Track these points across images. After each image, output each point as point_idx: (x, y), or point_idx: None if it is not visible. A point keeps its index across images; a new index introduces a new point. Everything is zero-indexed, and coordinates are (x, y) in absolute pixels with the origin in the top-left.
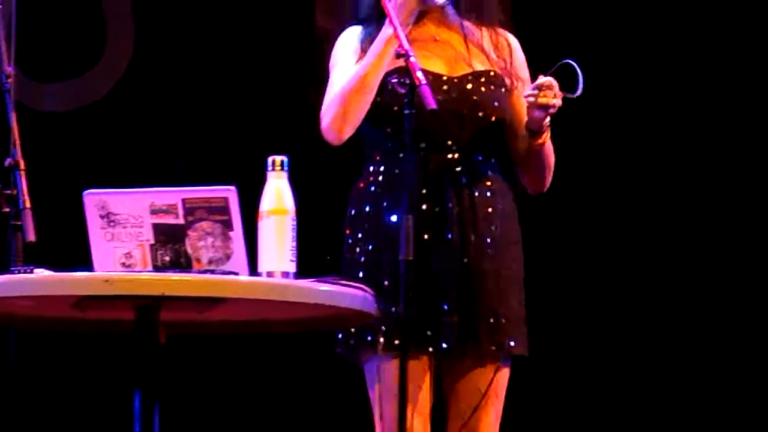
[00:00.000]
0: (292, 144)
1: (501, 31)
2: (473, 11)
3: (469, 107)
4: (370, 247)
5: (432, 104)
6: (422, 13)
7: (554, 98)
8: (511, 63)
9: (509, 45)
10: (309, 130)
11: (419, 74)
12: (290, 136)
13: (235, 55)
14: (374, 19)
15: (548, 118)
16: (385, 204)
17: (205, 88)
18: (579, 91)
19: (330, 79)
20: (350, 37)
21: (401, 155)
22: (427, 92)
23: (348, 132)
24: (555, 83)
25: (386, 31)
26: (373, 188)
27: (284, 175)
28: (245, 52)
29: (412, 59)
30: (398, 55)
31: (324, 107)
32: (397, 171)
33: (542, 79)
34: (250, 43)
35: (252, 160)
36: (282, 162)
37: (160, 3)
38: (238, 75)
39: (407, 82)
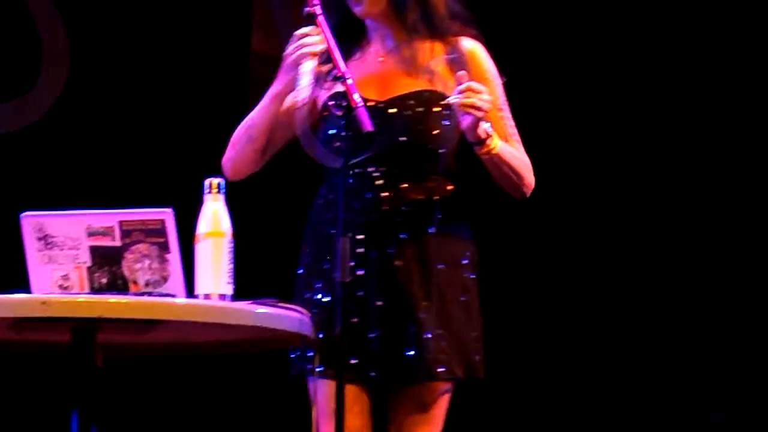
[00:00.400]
0: None
1: (460, 41)
2: (420, 27)
3: (390, 132)
4: (305, 271)
5: (368, 126)
6: (367, 31)
7: (480, 101)
8: (469, 75)
9: (464, 55)
10: None
11: (356, 96)
12: None
13: (173, 77)
14: None
15: (485, 124)
16: (320, 229)
17: (142, 110)
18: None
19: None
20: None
21: (334, 179)
22: (363, 114)
23: (239, 174)
24: (481, 87)
25: (275, 87)
26: (316, 211)
27: (221, 197)
28: (183, 74)
29: (348, 81)
30: (335, 78)
31: (229, 141)
32: (331, 196)
33: (466, 82)
34: (187, 65)
35: (189, 183)
36: (219, 184)
37: (94, 27)
38: (175, 97)
39: (344, 104)
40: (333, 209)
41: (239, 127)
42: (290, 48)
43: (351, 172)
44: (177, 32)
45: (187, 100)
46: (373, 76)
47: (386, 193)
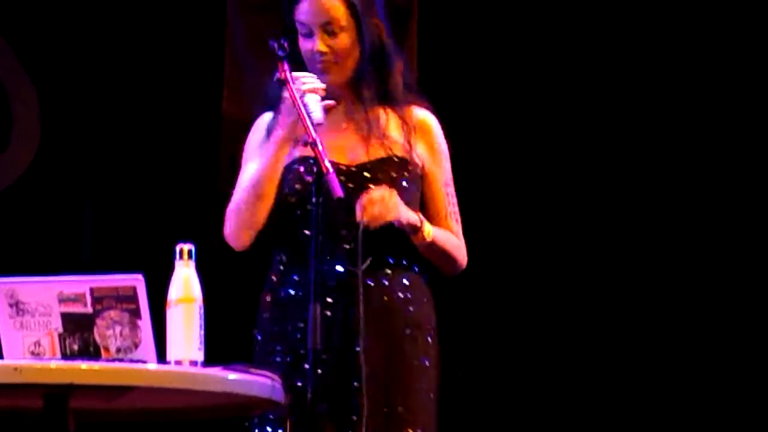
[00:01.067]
0: (200, 231)
1: (416, 110)
2: (377, 98)
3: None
4: (267, 338)
5: (339, 192)
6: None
7: (378, 210)
8: (424, 146)
9: (424, 125)
10: (217, 218)
11: (327, 162)
12: (198, 223)
13: (144, 141)
14: (280, 98)
15: (415, 217)
16: (282, 294)
17: (113, 176)
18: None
19: (239, 177)
20: (259, 129)
21: (298, 244)
22: (334, 180)
23: (250, 238)
24: (376, 194)
25: (277, 133)
26: (273, 278)
27: (191, 263)
28: (153, 138)
29: (319, 147)
30: (305, 143)
31: (227, 211)
32: (295, 259)
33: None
34: (158, 129)
35: (159, 248)
36: (189, 251)
37: (63, 90)
38: (146, 162)
39: (315, 170)
40: (299, 274)
41: (239, 192)
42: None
43: (321, 237)
44: (148, 95)
45: (157, 166)
46: (340, 141)
47: (356, 257)
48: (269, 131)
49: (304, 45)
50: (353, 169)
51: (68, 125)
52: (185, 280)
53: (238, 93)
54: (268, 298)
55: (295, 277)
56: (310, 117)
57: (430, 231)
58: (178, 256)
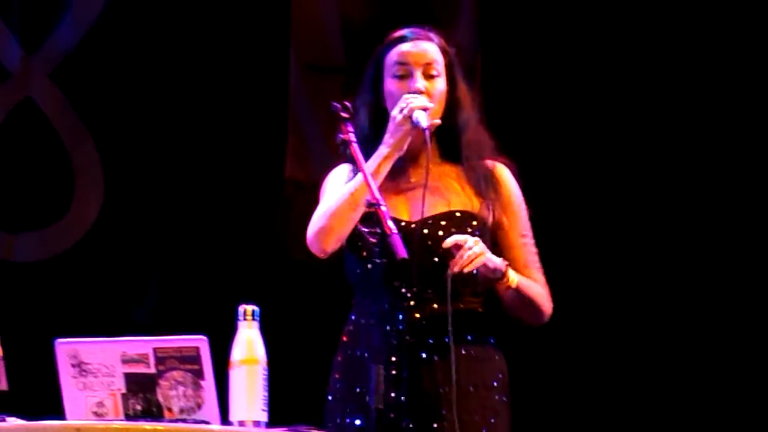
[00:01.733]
0: (264, 293)
1: (489, 163)
2: (449, 152)
3: (423, 254)
4: (338, 396)
5: (402, 253)
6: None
7: (469, 258)
8: (495, 197)
9: (495, 177)
10: (281, 280)
11: (390, 223)
12: (262, 285)
13: (206, 204)
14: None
15: (500, 262)
16: (350, 354)
17: (175, 238)
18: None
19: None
20: (339, 174)
21: (366, 303)
22: (397, 241)
23: (332, 245)
24: (462, 239)
25: (381, 150)
26: (345, 338)
27: (255, 324)
28: (216, 200)
29: (383, 208)
30: (369, 205)
31: (313, 220)
32: (362, 321)
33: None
34: (222, 191)
35: (222, 309)
36: (253, 311)
37: (128, 154)
38: (210, 224)
39: (378, 231)
40: (364, 334)
41: (333, 200)
42: (396, 110)
43: (383, 294)
44: (213, 157)
45: (221, 228)
46: (403, 197)
47: (418, 315)
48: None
49: (399, 86)
50: (412, 225)
51: (132, 186)
52: (248, 341)
53: (300, 155)
54: (339, 359)
55: (364, 338)
56: (369, 176)
57: (514, 278)
58: (241, 317)
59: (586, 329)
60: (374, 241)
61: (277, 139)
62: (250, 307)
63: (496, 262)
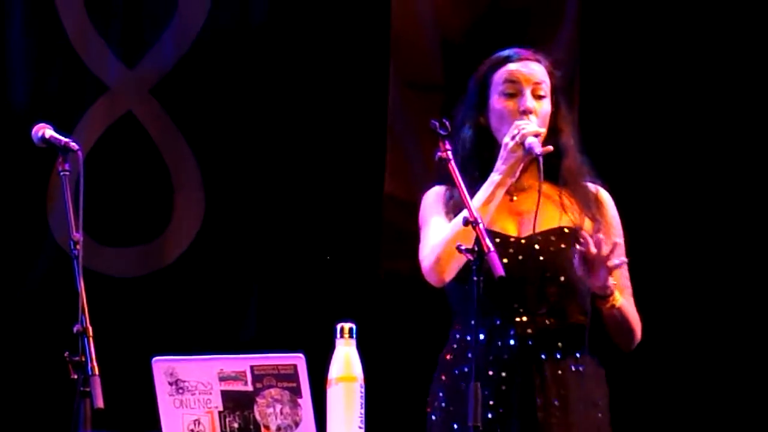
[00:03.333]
0: (361, 310)
1: (590, 186)
2: (557, 173)
3: (535, 269)
4: (443, 415)
5: (500, 271)
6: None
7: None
8: (598, 218)
9: (598, 199)
10: (378, 298)
11: (488, 241)
12: (359, 302)
13: (305, 221)
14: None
15: (611, 280)
16: (456, 372)
17: (272, 255)
18: None
19: (422, 234)
20: (436, 195)
21: (472, 322)
22: (495, 260)
23: (450, 275)
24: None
25: (493, 177)
26: (448, 357)
27: (352, 342)
28: (315, 217)
29: (480, 226)
30: (466, 222)
31: (426, 251)
32: (468, 338)
33: (610, 243)
34: (319, 209)
35: (320, 327)
36: (350, 329)
37: (228, 171)
38: (307, 241)
39: (476, 249)
40: (471, 351)
41: (449, 228)
42: (508, 137)
43: (493, 310)
44: (311, 175)
45: (319, 245)
46: (509, 215)
47: (530, 330)
48: (447, 202)
49: (508, 104)
50: (522, 241)
51: (232, 203)
52: (346, 359)
53: (400, 174)
54: (444, 378)
55: (469, 355)
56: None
57: (619, 298)
58: (338, 335)
59: (674, 350)
60: (472, 258)
61: (376, 157)
62: (347, 325)
63: (609, 279)
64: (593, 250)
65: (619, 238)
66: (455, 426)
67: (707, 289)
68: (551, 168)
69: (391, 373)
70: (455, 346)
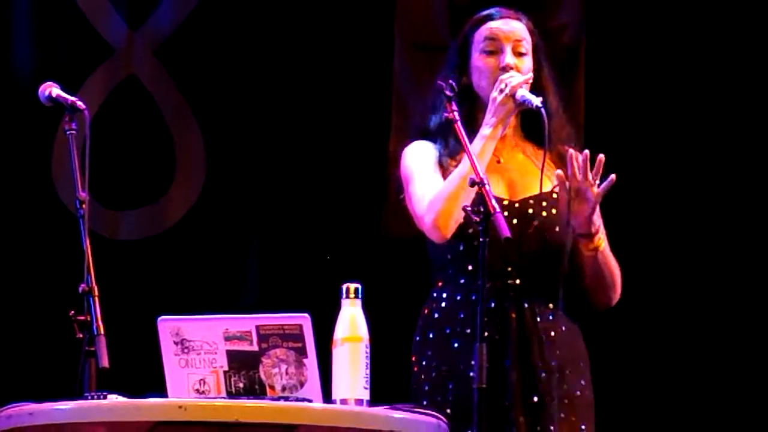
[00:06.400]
0: (367, 271)
1: (569, 149)
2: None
3: (530, 232)
4: (434, 374)
5: (506, 232)
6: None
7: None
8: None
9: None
10: (383, 258)
11: (494, 202)
12: (365, 263)
13: (305, 182)
14: (446, 135)
15: (596, 217)
16: (447, 331)
17: (275, 215)
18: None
19: (413, 188)
20: (423, 150)
21: (461, 281)
22: (501, 220)
23: (451, 229)
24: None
25: (484, 131)
26: (436, 315)
27: (358, 302)
28: (314, 178)
29: (487, 187)
30: (472, 183)
31: (423, 208)
32: (458, 297)
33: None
34: (318, 170)
35: (326, 287)
36: (356, 289)
37: (230, 133)
38: (313, 202)
39: (481, 209)
40: (463, 310)
41: (447, 184)
42: (496, 91)
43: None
44: (315, 136)
45: (323, 206)
46: (498, 176)
47: (525, 294)
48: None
49: (488, 62)
50: (516, 204)
51: (234, 165)
52: (351, 319)
53: (404, 133)
54: (431, 336)
55: (461, 315)
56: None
57: (603, 239)
58: (344, 295)
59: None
60: (477, 219)
61: (381, 117)
62: (353, 285)
63: (596, 215)
64: (578, 174)
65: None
66: (450, 386)
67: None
68: (533, 129)
69: (397, 333)
70: (444, 305)
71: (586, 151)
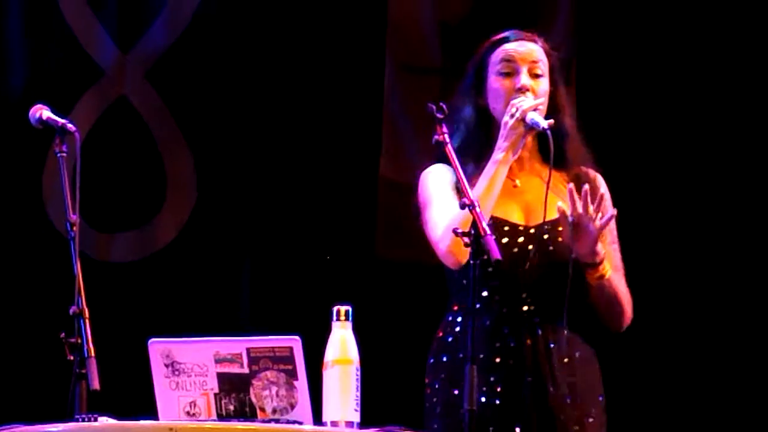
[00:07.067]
0: (357, 293)
1: (591, 173)
2: (558, 159)
3: (544, 259)
4: (446, 397)
5: (497, 255)
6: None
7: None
8: (594, 203)
9: (595, 185)
10: (374, 280)
11: (485, 225)
12: (355, 285)
13: (299, 204)
14: (464, 159)
15: (600, 247)
16: (460, 355)
17: (268, 237)
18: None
19: (429, 213)
20: (440, 174)
21: (477, 306)
22: (492, 243)
23: (465, 257)
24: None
25: (496, 155)
26: (450, 339)
27: (348, 325)
28: (305, 200)
29: (477, 209)
30: (463, 206)
31: (438, 234)
32: (470, 323)
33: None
34: (314, 191)
35: (316, 310)
36: (346, 312)
37: (221, 154)
38: (304, 224)
39: (472, 232)
40: (476, 335)
41: (459, 213)
42: (507, 115)
43: (497, 298)
44: (306, 157)
45: (313, 229)
46: (513, 201)
47: (537, 319)
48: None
49: (504, 84)
50: (531, 230)
51: (224, 186)
52: (342, 341)
53: (395, 156)
54: (445, 359)
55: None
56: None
57: (608, 268)
58: (335, 317)
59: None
60: (467, 241)
61: (371, 139)
62: (343, 308)
63: (599, 247)
64: (579, 207)
65: (612, 224)
66: (462, 409)
67: (702, 281)
68: (548, 151)
69: (387, 355)
70: (458, 329)
71: (586, 187)
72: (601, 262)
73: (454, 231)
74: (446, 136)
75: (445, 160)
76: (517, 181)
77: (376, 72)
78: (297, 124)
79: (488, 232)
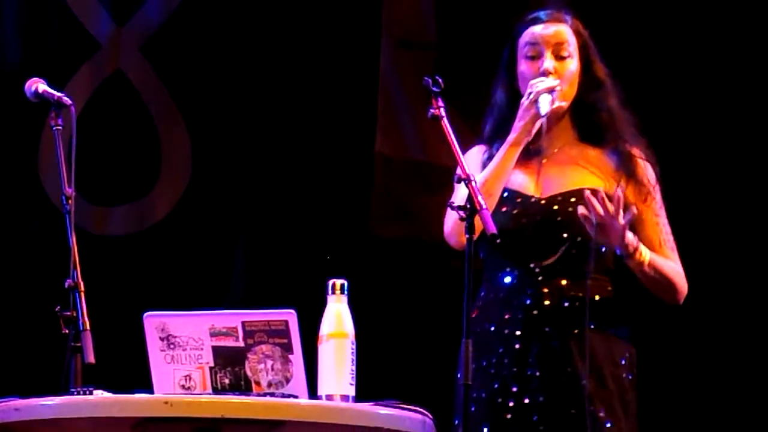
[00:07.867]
0: (353, 267)
1: (629, 146)
2: (596, 134)
3: (551, 229)
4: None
5: (492, 229)
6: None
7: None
8: (630, 181)
9: (633, 161)
10: (369, 254)
11: (480, 199)
12: (350, 259)
13: (291, 179)
14: (494, 141)
15: (632, 237)
16: (479, 330)
17: (263, 212)
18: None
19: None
20: (470, 157)
21: (494, 280)
22: (487, 216)
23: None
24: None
25: (510, 136)
26: (474, 314)
27: (344, 298)
28: (301, 176)
29: (473, 183)
30: (459, 180)
31: (445, 217)
32: (492, 295)
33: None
34: (309, 166)
35: (311, 283)
36: (342, 285)
37: (217, 128)
38: (299, 198)
39: (468, 206)
40: (495, 308)
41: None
42: (525, 96)
43: (509, 269)
44: (302, 131)
45: (310, 202)
46: (534, 174)
47: (546, 289)
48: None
49: (530, 67)
50: (542, 201)
51: (220, 160)
52: (337, 315)
53: (390, 132)
54: (477, 331)
55: (493, 312)
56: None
57: (646, 254)
58: (330, 291)
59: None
60: (462, 215)
61: (366, 115)
62: (338, 281)
63: (629, 237)
64: (599, 210)
65: (654, 195)
66: (476, 382)
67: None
68: (592, 127)
69: (382, 329)
70: (480, 303)
71: (602, 192)
72: (636, 250)
73: (449, 205)
74: (442, 110)
75: (486, 140)
76: (544, 160)
77: (371, 47)
78: (292, 100)
79: (483, 206)
